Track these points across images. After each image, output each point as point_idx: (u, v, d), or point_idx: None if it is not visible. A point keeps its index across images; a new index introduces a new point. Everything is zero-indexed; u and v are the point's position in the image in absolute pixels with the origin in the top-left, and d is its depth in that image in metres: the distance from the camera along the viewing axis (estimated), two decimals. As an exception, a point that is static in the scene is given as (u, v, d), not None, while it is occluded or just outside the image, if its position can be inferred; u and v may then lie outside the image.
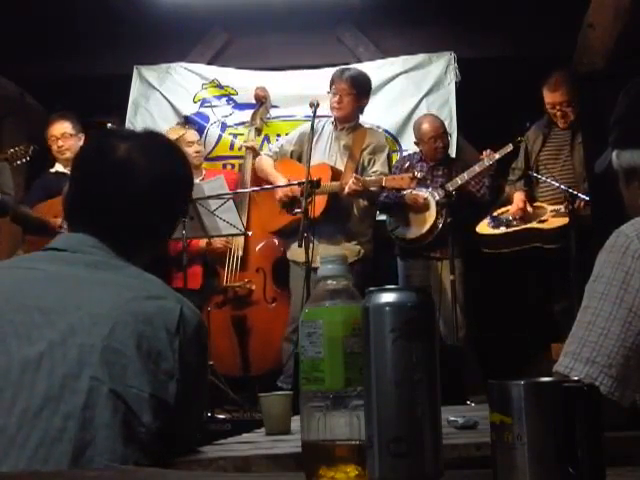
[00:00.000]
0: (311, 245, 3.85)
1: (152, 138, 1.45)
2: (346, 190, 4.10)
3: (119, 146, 1.35)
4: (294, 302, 4.30)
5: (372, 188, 4.17)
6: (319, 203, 4.03)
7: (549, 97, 4.42)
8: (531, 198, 4.44)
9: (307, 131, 4.36)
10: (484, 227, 4.45)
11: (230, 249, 4.69)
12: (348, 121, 4.39)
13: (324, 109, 4.46)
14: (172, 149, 1.46)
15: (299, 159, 4.45)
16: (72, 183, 1.40)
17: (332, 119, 4.47)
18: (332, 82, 4.38)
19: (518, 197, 4.42)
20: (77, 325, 1.14)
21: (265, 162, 4.53)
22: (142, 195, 1.34)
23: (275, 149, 4.61)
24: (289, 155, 4.49)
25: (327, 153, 4.39)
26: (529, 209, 4.37)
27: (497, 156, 4.45)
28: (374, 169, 4.31)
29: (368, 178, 4.19)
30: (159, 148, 1.42)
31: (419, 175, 4.18)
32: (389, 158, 4.49)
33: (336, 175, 4.25)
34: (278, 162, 4.49)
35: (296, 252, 4.18)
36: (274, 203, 4.39)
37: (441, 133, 4.62)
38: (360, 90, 4.35)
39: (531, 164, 4.51)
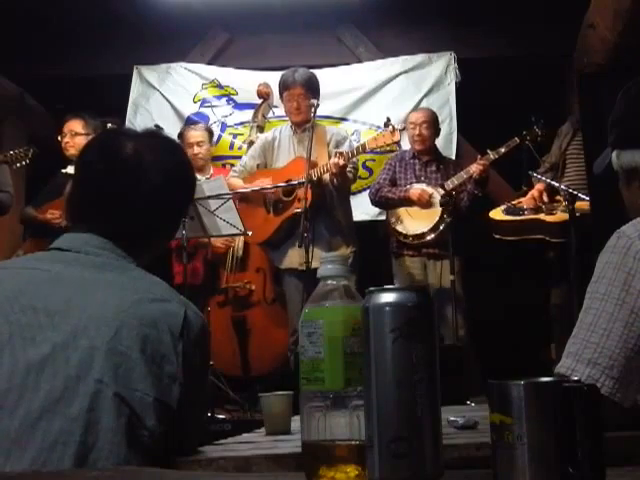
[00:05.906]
0: (310, 246, 3.78)
1: (155, 136, 1.44)
2: (332, 169, 3.99)
3: (126, 145, 1.33)
4: (292, 312, 4.19)
5: (356, 157, 4.07)
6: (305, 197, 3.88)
7: None
8: (552, 191, 4.32)
9: (267, 140, 4.36)
10: (497, 213, 4.41)
11: (232, 247, 4.66)
12: (307, 122, 4.25)
13: (325, 109, 4.39)
14: (175, 147, 1.46)
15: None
16: (77, 183, 1.38)
17: (289, 124, 4.38)
18: (285, 87, 4.27)
19: (536, 187, 4.36)
20: (82, 327, 1.13)
21: (235, 183, 4.31)
22: (152, 194, 1.32)
23: (239, 168, 4.42)
24: (255, 170, 4.35)
25: (293, 156, 4.28)
26: (545, 200, 4.29)
27: (503, 149, 4.42)
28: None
29: (350, 149, 4.10)
30: (164, 146, 1.41)
31: (399, 136, 4.09)
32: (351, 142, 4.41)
33: (312, 167, 4.05)
34: (248, 178, 4.32)
35: (291, 259, 4.12)
36: (257, 212, 4.25)
37: (421, 122, 4.58)
38: (314, 91, 4.26)
39: (558, 159, 4.44)
